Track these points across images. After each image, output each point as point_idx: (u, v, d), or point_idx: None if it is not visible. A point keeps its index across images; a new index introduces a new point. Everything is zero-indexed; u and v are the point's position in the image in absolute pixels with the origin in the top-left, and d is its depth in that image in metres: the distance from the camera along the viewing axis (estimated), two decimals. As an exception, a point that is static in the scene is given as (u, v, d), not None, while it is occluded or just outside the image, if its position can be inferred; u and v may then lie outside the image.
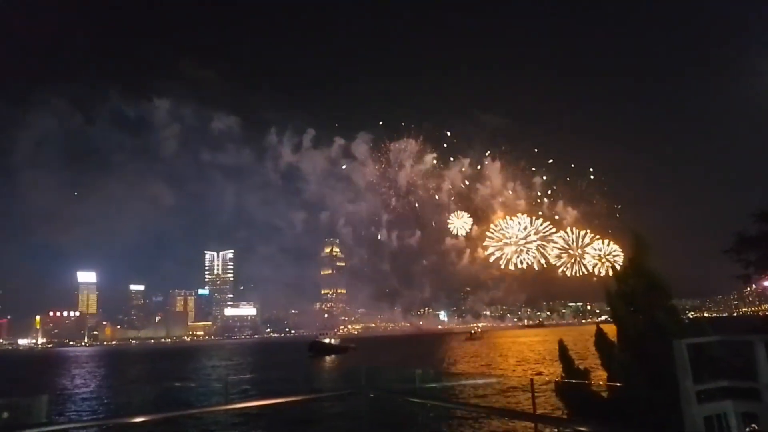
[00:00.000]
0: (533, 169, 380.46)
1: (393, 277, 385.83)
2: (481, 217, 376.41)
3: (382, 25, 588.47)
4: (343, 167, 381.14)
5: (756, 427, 6.77)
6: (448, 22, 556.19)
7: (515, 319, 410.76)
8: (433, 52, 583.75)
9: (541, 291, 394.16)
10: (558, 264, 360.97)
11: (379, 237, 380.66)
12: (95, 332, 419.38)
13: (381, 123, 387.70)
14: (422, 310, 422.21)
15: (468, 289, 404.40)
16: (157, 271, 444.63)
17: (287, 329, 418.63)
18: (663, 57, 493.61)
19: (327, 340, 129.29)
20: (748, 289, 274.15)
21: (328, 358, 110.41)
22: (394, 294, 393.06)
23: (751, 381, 6.50)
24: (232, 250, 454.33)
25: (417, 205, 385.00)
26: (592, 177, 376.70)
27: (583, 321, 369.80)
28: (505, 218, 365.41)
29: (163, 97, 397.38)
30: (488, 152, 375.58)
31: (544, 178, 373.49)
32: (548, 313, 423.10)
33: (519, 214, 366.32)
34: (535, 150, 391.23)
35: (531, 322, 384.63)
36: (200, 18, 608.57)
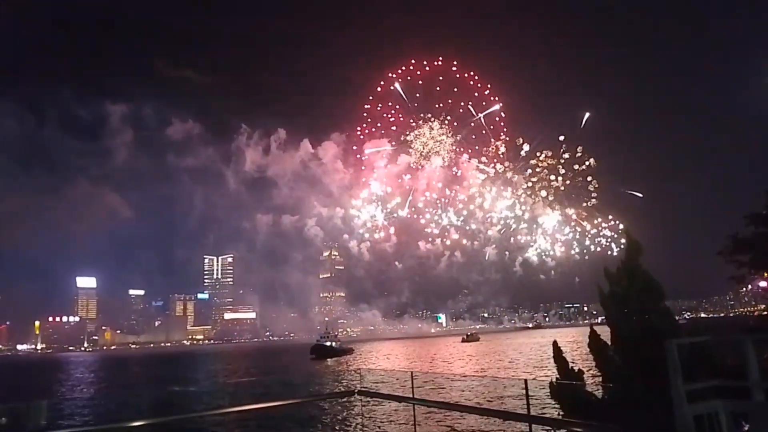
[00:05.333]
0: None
1: (389, 281, 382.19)
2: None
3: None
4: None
5: (748, 428, 6.81)
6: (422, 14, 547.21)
7: (512, 321, 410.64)
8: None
9: (525, 295, 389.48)
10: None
11: (352, 242, 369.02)
12: (95, 337, 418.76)
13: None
14: (421, 312, 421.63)
15: (466, 291, 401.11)
16: (156, 275, 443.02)
17: (286, 332, 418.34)
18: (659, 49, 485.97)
19: (328, 343, 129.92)
20: (744, 289, 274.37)
21: (329, 360, 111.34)
22: (391, 296, 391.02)
23: (743, 380, 6.56)
24: (232, 254, 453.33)
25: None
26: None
27: (580, 322, 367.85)
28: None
29: (145, 95, 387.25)
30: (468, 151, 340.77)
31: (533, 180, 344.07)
32: (545, 314, 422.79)
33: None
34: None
35: (528, 324, 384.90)
36: (164, 16, 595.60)
